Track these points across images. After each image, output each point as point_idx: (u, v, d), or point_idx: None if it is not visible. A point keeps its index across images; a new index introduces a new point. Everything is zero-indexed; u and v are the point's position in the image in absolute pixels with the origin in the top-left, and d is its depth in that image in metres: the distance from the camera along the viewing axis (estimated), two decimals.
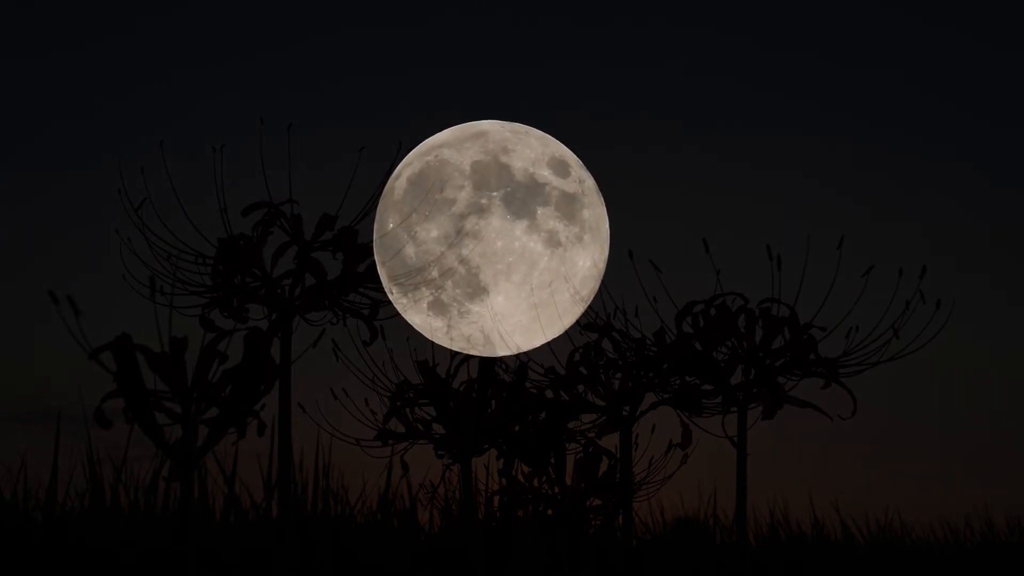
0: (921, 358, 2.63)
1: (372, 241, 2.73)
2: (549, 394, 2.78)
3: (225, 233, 2.61)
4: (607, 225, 2.92)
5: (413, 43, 6.51)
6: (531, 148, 2.89)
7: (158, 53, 6.57)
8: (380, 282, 2.71)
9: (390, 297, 2.73)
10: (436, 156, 2.87)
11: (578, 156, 2.93)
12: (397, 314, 2.76)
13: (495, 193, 2.82)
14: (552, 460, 2.82)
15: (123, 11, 6.60)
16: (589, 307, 2.81)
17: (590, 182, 2.92)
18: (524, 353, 2.80)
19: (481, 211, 2.81)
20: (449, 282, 2.79)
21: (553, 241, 2.84)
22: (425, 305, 2.79)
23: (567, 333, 2.80)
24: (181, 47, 6.58)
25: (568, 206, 2.87)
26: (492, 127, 2.92)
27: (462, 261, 2.78)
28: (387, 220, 2.82)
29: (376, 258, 2.73)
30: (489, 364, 2.68)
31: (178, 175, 2.58)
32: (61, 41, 6.64)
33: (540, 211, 2.85)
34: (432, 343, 2.79)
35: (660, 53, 6.74)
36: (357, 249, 2.67)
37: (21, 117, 6.78)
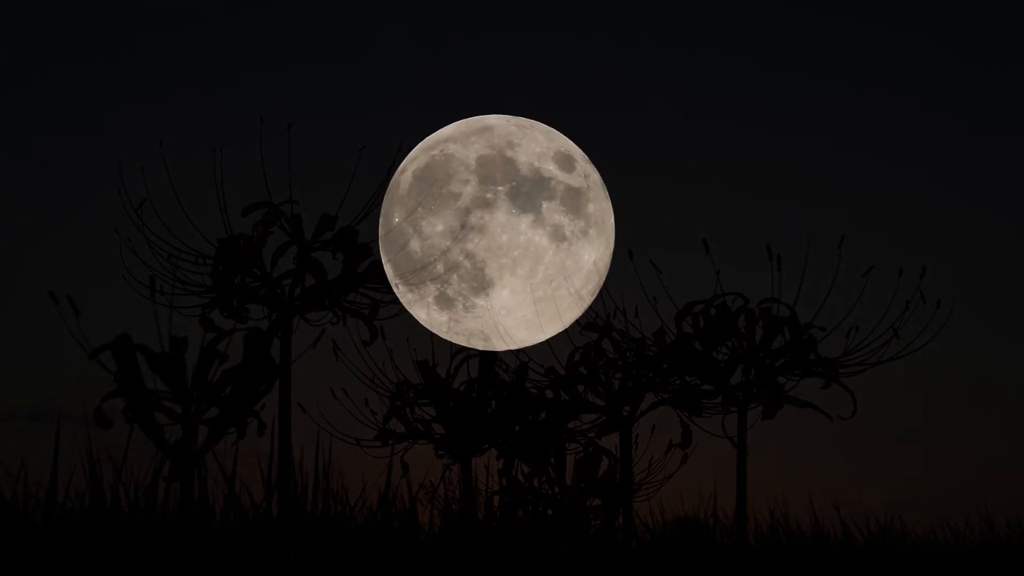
0: (921, 358, 2.63)
1: (373, 240, 2.73)
2: (549, 394, 2.77)
3: (225, 233, 2.61)
4: (612, 219, 2.93)
5: (413, 41, 6.51)
6: (536, 142, 2.89)
7: (158, 54, 6.56)
8: (380, 282, 2.71)
9: (396, 292, 2.73)
10: (441, 151, 2.87)
11: (583, 150, 2.94)
12: (397, 314, 2.75)
13: (500, 187, 2.83)
14: (552, 460, 2.82)
15: (126, 25, 6.60)
16: (589, 307, 2.81)
17: (595, 176, 2.93)
18: (524, 352, 2.80)
19: (486, 205, 2.81)
20: (454, 276, 2.79)
21: (558, 235, 2.84)
22: (431, 300, 2.79)
23: (567, 333, 2.80)
24: (180, 48, 6.58)
25: (573, 200, 2.87)
26: (497, 121, 2.93)
27: (467, 255, 2.78)
28: (392, 215, 2.82)
29: (381, 253, 2.73)
30: (489, 361, 2.68)
31: (178, 175, 2.58)
32: (65, 44, 6.64)
33: (545, 205, 2.85)
34: (432, 343, 2.79)
35: (665, 51, 6.74)
36: (357, 249, 2.67)
37: (23, 116, 6.78)
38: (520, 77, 6.56)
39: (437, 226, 2.80)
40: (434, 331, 2.81)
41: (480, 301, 2.81)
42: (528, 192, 2.84)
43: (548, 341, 2.81)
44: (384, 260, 2.74)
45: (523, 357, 2.77)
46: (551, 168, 2.87)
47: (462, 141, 2.88)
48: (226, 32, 6.62)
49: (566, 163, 2.89)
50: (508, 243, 2.81)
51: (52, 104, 6.76)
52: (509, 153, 2.86)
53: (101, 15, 6.62)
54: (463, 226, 2.79)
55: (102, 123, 6.54)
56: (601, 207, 2.90)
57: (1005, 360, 6.88)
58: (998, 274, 7.02)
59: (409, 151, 2.91)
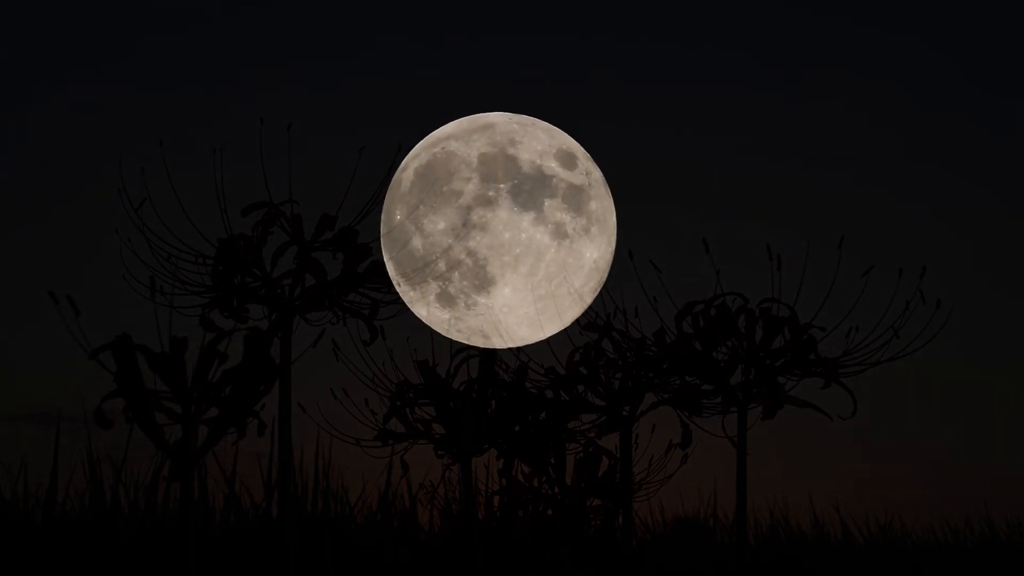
0: (921, 358, 2.63)
1: (373, 240, 2.73)
2: (549, 394, 2.77)
3: (225, 233, 2.61)
4: (614, 217, 2.93)
5: (413, 41, 6.51)
6: (538, 140, 2.90)
7: (158, 54, 6.57)
8: (380, 282, 2.71)
9: (398, 290, 2.73)
10: (443, 148, 2.88)
11: (586, 149, 2.94)
12: (398, 314, 2.75)
13: (502, 185, 2.83)
14: (552, 460, 2.81)
15: (126, 25, 6.61)
16: (590, 307, 2.82)
17: (597, 174, 2.93)
18: (524, 352, 2.80)
19: (488, 203, 2.82)
20: (456, 274, 2.79)
21: (560, 233, 2.85)
22: (432, 297, 2.79)
23: (567, 332, 2.80)
24: (180, 48, 6.58)
25: (575, 198, 2.87)
26: (499, 119, 2.93)
27: (469, 253, 2.78)
28: (394, 212, 2.82)
29: (383, 251, 2.73)
30: (489, 361, 2.68)
31: (178, 175, 2.58)
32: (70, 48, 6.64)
33: (547, 203, 2.85)
34: (432, 342, 2.79)
35: (665, 51, 6.74)
36: (357, 249, 2.67)
37: (22, 116, 6.78)
38: (520, 77, 6.56)
39: (439, 224, 2.80)
40: (435, 329, 2.81)
41: (482, 299, 2.81)
42: (530, 190, 2.85)
43: (548, 341, 2.81)
44: (386, 258, 2.74)
45: (523, 357, 2.77)
46: (553, 166, 2.87)
47: (464, 139, 2.88)
48: (226, 32, 6.62)
49: (568, 161, 2.89)
50: (510, 241, 2.81)
51: (52, 104, 6.76)
52: (511, 151, 2.87)
53: (101, 15, 6.62)
54: (465, 224, 2.79)
55: (102, 123, 6.54)
56: (603, 204, 2.91)
57: (1005, 360, 6.88)
58: (999, 274, 7.02)
59: (409, 150, 2.92)
